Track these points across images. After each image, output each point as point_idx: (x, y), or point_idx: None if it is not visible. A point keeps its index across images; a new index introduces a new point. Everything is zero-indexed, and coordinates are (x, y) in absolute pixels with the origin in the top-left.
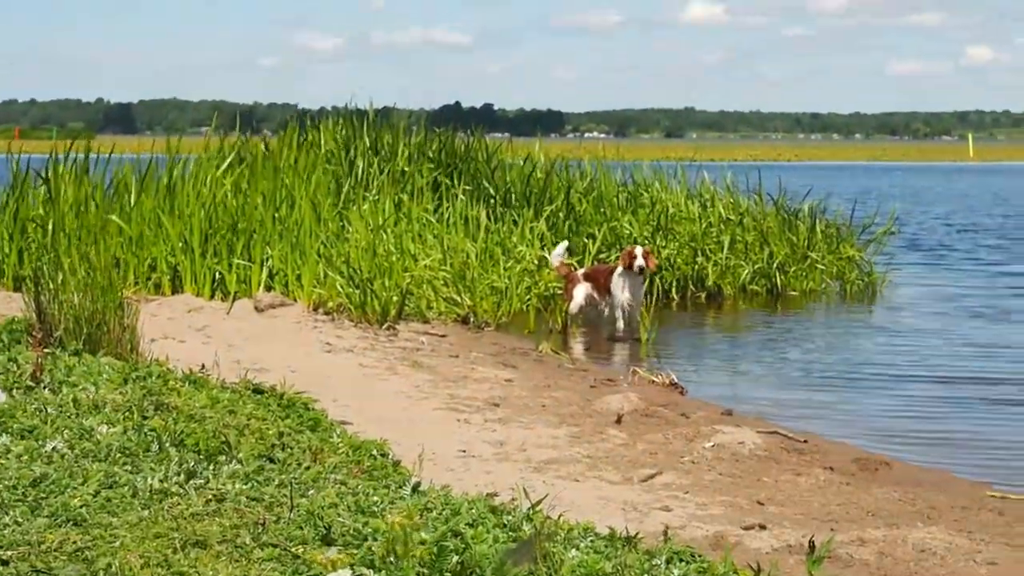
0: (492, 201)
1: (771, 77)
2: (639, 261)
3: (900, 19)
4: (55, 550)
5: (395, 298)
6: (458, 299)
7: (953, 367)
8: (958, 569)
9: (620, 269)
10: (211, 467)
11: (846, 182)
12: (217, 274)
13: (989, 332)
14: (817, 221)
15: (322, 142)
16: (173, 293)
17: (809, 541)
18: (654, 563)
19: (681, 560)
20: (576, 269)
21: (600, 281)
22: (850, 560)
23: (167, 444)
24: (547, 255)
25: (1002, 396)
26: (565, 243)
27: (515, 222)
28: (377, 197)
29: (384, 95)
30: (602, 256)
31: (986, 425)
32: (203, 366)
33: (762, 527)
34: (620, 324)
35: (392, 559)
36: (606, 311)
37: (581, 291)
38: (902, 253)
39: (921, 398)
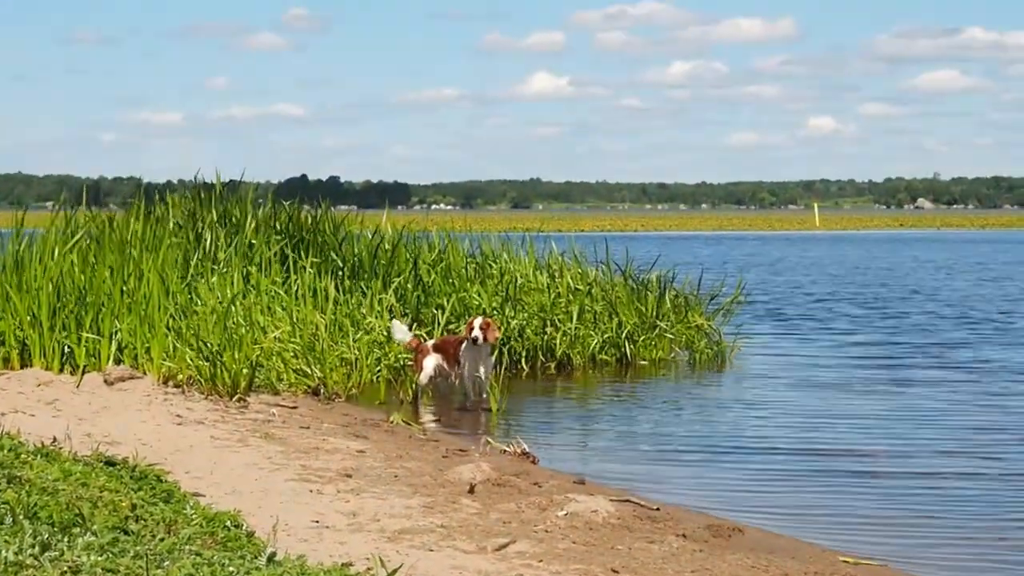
0: (340, 273)
1: (614, 148)
2: (475, 333)
3: (736, 90)
4: None
5: (245, 370)
6: (308, 371)
7: (797, 438)
8: None
9: (467, 341)
10: (65, 539)
11: (699, 251)
12: (66, 348)
13: (831, 403)
14: (666, 290)
15: (169, 215)
16: (22, 367)
17: None
18: None
19: None
20: (425, 340)
21: (450, 352)
22: None
23: (20, 516)
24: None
25: (840, 467)
26: (396, 322)
27: (364, 293)
28: (225, 270)
29: (227, 168)
30: (451, 327)
31: (831, 494)
32: (54, 439)
33: None
34: (470, 394)
35: None
36: (456, 382)
37: (431, 362)
38: (758, 322)
39: (768, 467)
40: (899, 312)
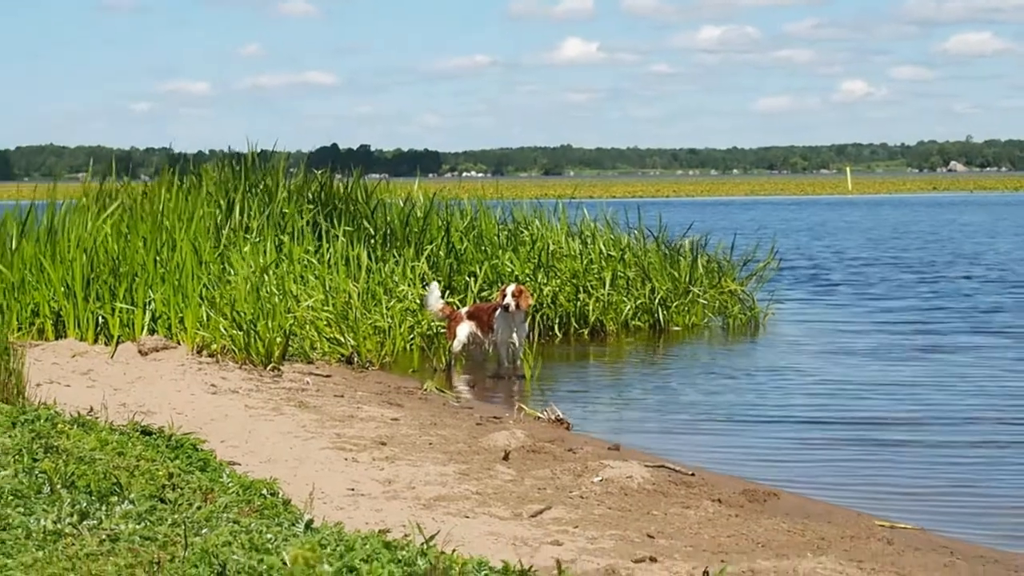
0: (373, 241)
1: (645, 113)
2: (508, 300)
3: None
4: None
5: (279, 339)
6: (341, 339)
7: (831, 406)
8: None
9: (500, 308)
10: (103, 508)
11: (736, 217)
12: (100, 318)
13: (867, 370)
14: (699, 256)
15: (203, 185)
16: (56, 338)
17: (704, 571)
18: None
19: None
20: (458, 308)
21: (483, 319)
22: None
23: (58, 486)
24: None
25: (877, 436)
26: (434, 284)
27: (396, 261)
28: (258, 239)
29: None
30: (484, 294)
31: (868, 461)
32: (91, 409)
33: (653, 560)
34: (503, 361)
35: None
36: (490, 349)
37: (464, 329)
38: (794, 287)
39: (803, 434)
40: (938, 276)
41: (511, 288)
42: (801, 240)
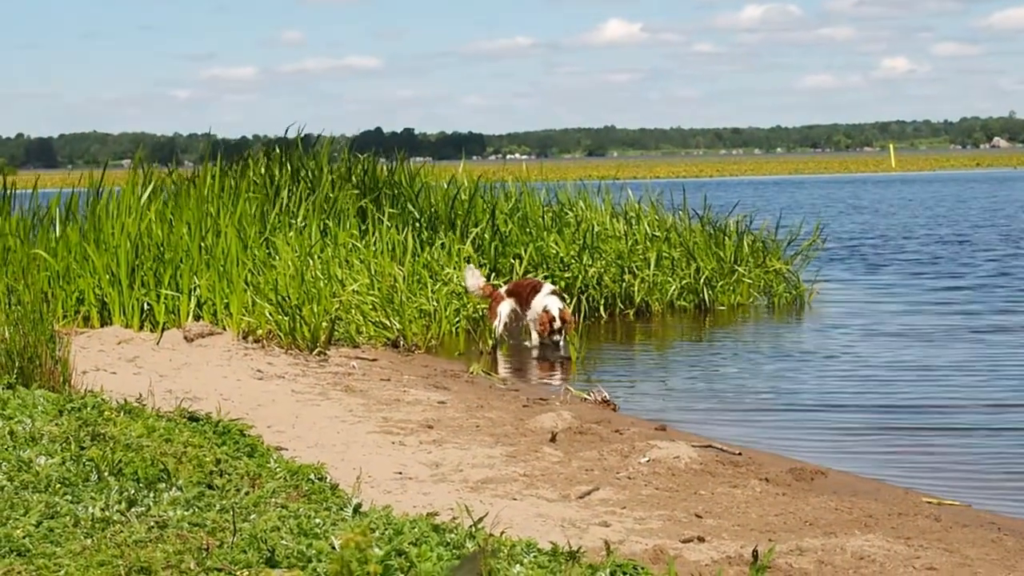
0: (417, 224)
1: (687, 94)
2: (557, 325)
3: (809, 33)
4: None
5: (324, 324)
6: (387, 323)
7: (878, 390)
8: (897, 575)
9: (546, 290)
10: (151, 495)
11: (785, 195)
12: (145, 305)
13: (915, 352)
14: (744, 235)
15: (248, 171)
16: (102, 325)
17: (753, 551)
18: None
19: (624, 573)
20: (499, 287)
21: (523, 295)
22: (789, 569)
23: (106, 473)
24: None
25: (924, 420)
26: (471, 267)
27: (442, 245)
28: (303, 224)
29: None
30: (529, 275)
31: (914, 443)
32: (138, 396)
33: (701, 539)
34: (534, 338)
35: None
36: (529, 326)
37: (505, 308)
38: (842, 265)
39: (851, 415)
40: (991, 257)
41: (556, 309)
42: (848, 218)
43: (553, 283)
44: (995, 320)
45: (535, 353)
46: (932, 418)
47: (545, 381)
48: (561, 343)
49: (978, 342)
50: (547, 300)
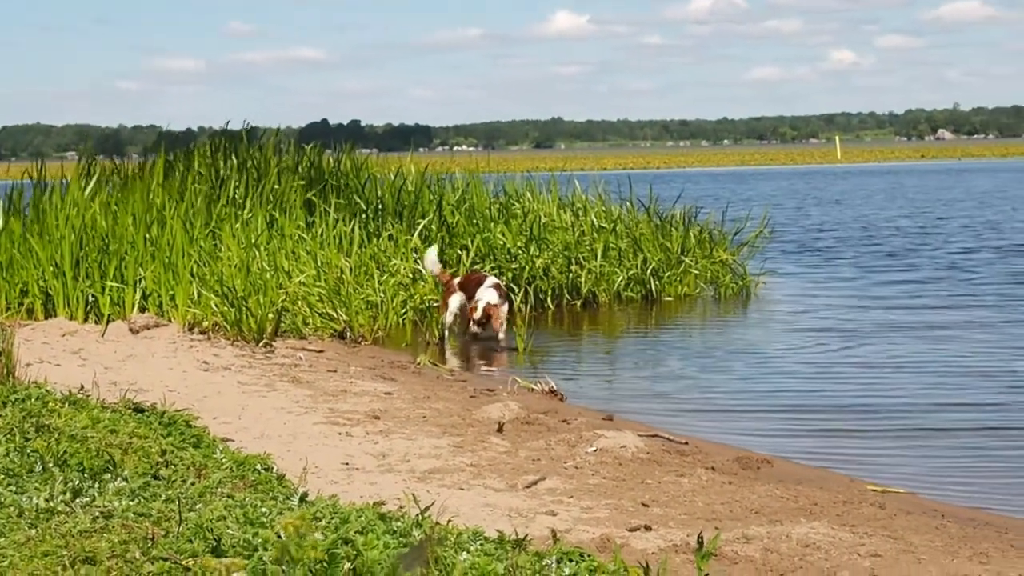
0: (364, 216)
1: (636, 86)
2: (477, 316)
3: (757, 25)
4: None
5: (271, 315)
6: (334, 314)
7: (821, 373)
8: (842, 562)
9: (488, 283)
10: (96, 485)
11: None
12: (90, 297)
13: (856, 340)
14: (691, 226)
15: (194, 163)
16: (46, 317)
17: (698, 537)
18: (545, 563)
19: (571, 560)
20: (457, 276)
21: (471, 291)
22: (736, 557)
23: (50, 464)
24: (421, 267)
25: (867, 402)
26: (434, 247)
27: (389, 236)
28: (249, 216)
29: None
30: (476, 267)
31: (858, 428)
32: (82, 387)
33: (648, 528)
34: (473, 328)
35: (285, 566)
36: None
37: (456, 301)
38: (788, 257)
39: (795, 402)
40: (947, 251)
41: (482, 303)
42: (795, 210)
43: (499, 276)
44: (942, 315)
45: (463, 339)
46: (877, 408)
47: (492, 372)
48: (479, 333)
49: (924, 336)
50: (483, 292)
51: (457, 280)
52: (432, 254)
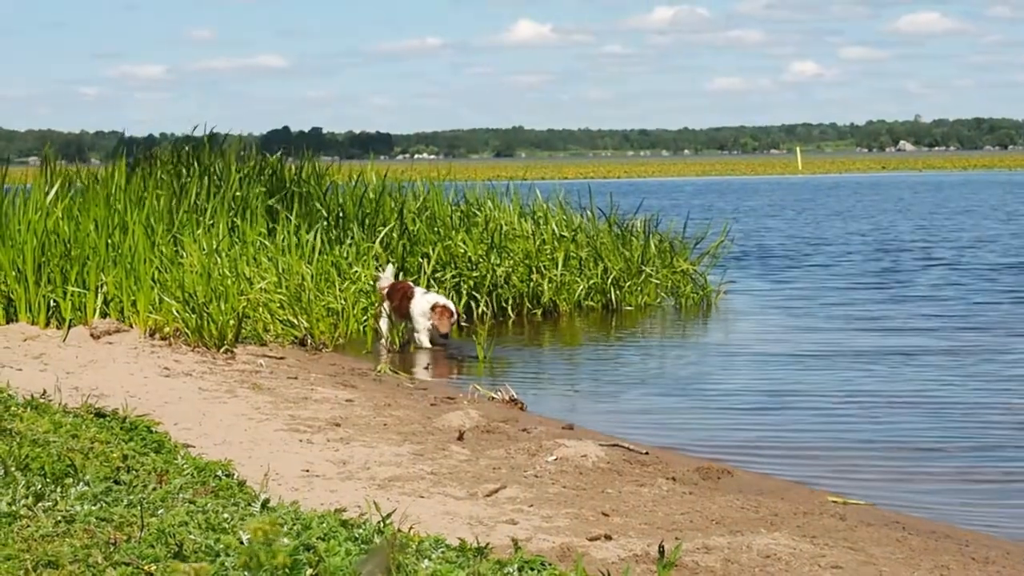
0: (326, 223)
1: (597, 95)
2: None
3: (719, 35)
4: None
5: (231, 322)
6: (295, 321)
7: (784, 384)
8: (803, 573)
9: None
10: (58, 490)
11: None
12: (52, 302)
13: (816, 345)
14: (651, 236)
15: (156, 168)
16: (8, 322)
17: (659, 546)
18: (506, 572)
19: (532, 569)
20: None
21: (395, 301)
22: (696, 567)
23: (12, 468)
24: (379, 276)
25: (829, 408)
26: (390, 267)
27: (350, 243)
28: (211, 222)
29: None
30: (437, 275)
31: (819, 438)
32: (43, 392)
33: (608, 537)
34: (424, 341)
35: (249, 572)
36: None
37: (386, 306)
38: (748, 268)
39: (756, 411)
40: (911, 267)
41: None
42: (762, 223)
43: (460, 284)
44: (904, 323)
45: (446, 352)
46: (837, 419)
47: (452, 380)
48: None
49: (883, 347)
50: (433, 299)
51: (385, 290)
52: (389, 273)
